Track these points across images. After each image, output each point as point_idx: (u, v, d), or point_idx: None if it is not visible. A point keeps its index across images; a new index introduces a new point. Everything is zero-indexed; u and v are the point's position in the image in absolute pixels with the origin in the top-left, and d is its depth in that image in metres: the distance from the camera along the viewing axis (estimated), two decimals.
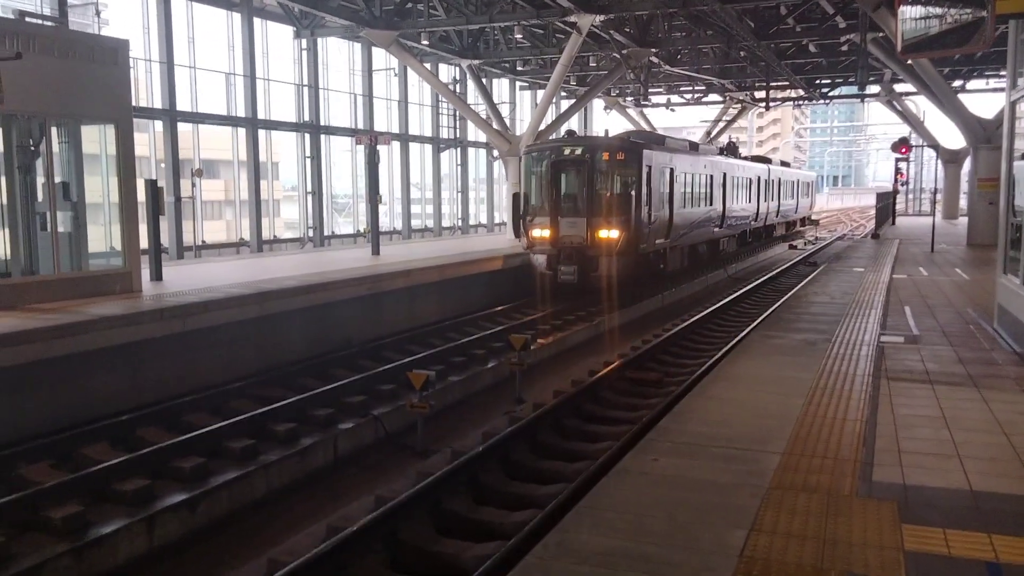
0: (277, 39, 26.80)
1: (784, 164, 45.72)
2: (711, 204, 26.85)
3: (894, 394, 8.09)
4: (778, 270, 28.49)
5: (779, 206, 39.61)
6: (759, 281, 25.16)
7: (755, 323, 16.89)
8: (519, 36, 28.79)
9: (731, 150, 33.43)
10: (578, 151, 19.80)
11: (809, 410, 7.49)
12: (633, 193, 19.70)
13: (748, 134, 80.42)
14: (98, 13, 17.69)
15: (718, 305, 20.01)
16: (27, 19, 12.68)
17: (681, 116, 53.55)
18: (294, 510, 8.42)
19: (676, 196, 22.48)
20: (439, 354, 13.91)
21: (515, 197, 20.72)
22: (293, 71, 27.30)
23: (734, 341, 14.97)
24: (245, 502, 8.40)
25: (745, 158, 35.01)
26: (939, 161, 40.94)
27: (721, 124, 49.19)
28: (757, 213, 34.64)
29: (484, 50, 30.55)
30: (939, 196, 41.82)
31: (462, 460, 8.53)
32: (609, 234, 19.43)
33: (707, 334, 17.16)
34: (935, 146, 42.29)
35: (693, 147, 26.50)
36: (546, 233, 19.83)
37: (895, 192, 46.44)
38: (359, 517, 7.19)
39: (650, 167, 20.30)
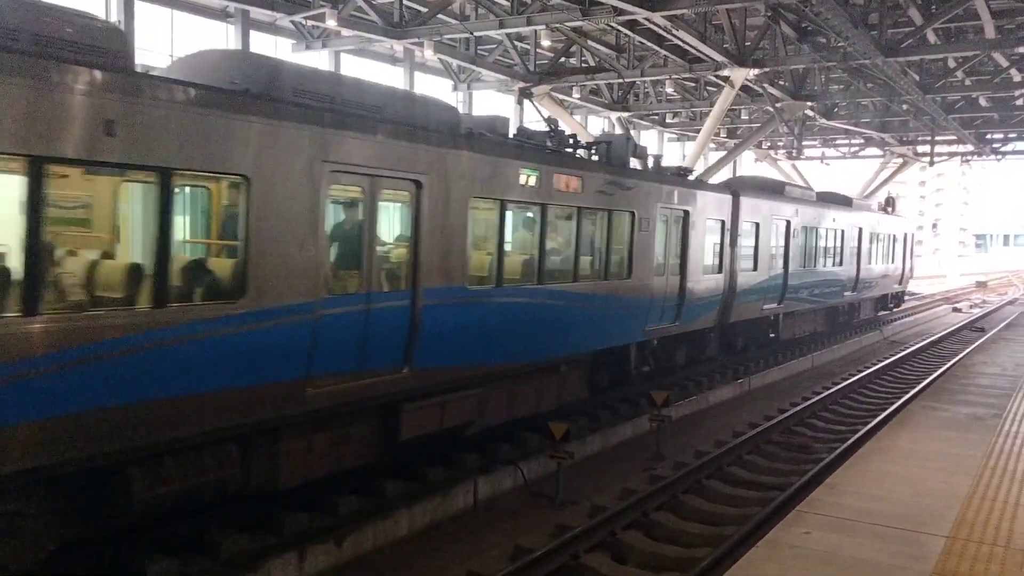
0: (436, 92, 28.05)
1: (835, 201, 24.37)
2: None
3: None
4: (939, 334, 26.81)
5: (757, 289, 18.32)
6: (918, 345, 23.76)
7: (914, 391, 15.96)
8: (670, 89, 28.82)
9: (888, 202, 31.58)
10: None
11: (977, 491, 7.02)
12: None
13: (910, 189, 76.74)
14: None
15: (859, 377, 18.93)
16: None
17: (837, 169, 50.75)
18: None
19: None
20: None
21: None
22: None
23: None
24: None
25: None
26: None
27: (880, 179, 46.85)
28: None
29: (634, 102, 30.76)
30: None
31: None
32: None
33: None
34: None
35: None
36: None
37: None
38: None
39: None
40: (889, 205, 31.98)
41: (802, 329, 22.35)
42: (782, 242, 19.46)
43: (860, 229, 25.24)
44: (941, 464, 7.84)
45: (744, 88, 25.13)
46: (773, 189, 20.49)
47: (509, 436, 11.78)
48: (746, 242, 17.62)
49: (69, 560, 6.54)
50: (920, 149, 40.62)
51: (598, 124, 34.35)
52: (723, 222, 16.57)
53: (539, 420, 11.55)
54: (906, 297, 36.55)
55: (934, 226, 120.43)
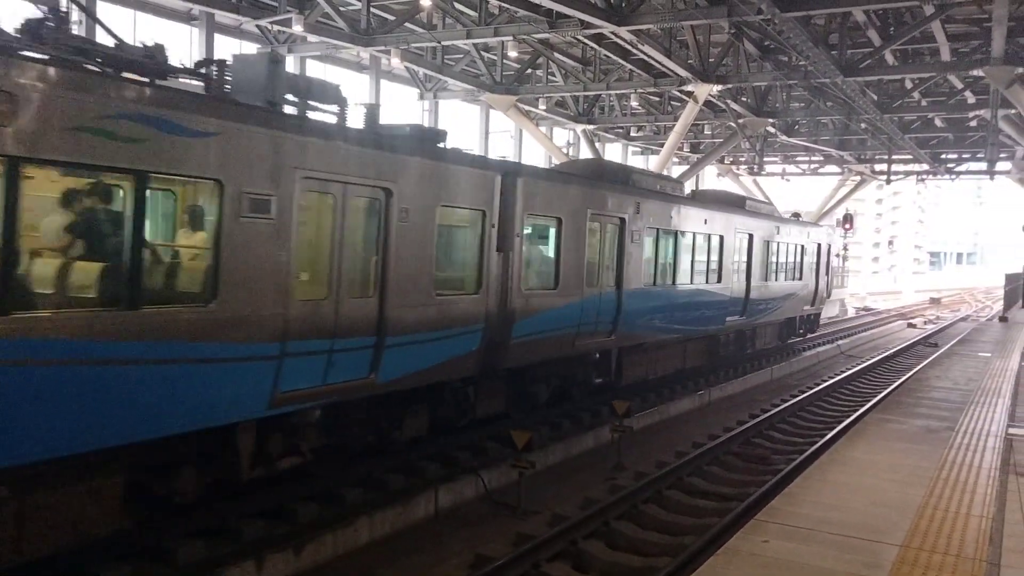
0: (402, 100, 28.05)
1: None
2: None
3: None
4: (894, 349, 27.33)
5: None
6: (874, 359, 24.19)
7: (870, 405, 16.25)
8: (635, 103, 29.13)
9: (846, 219, 32.09)
10: None
11: (930, 501, 7.16)
12: None
13: (867, 206, 78.18)
14: None
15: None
16: None
17: (797, 186, 51.25)
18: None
19: None
20: None
21: None
22: None
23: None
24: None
25: None
26: None
27: (839, 196, 47.59)
28: None
29: (599, 115, 31.04)
30: None
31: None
32: None
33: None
34: None
35: None
36: None
37: None
38: None
39: None
40: (847, 222, 32.58)
41: (660, 367, 16.49)
42: (613, 249, 13.80)
43: (751, 236, 19.49)
44: (895, 475, 7.99)
45: (707, 103, 25.51)
46: (602, 176, 14.36)
47: (471, 444, 11.77)
48: (536, 247, 12.13)
49: (19, 571, 6.37)
50: (877, 167, 41.52)
51: (563, 136, 34.58)
52: (484, 214, 10.68)
53: (501, 428, 11.36)
54: (829, 316, 31.37)
55: (890, 243, 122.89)
